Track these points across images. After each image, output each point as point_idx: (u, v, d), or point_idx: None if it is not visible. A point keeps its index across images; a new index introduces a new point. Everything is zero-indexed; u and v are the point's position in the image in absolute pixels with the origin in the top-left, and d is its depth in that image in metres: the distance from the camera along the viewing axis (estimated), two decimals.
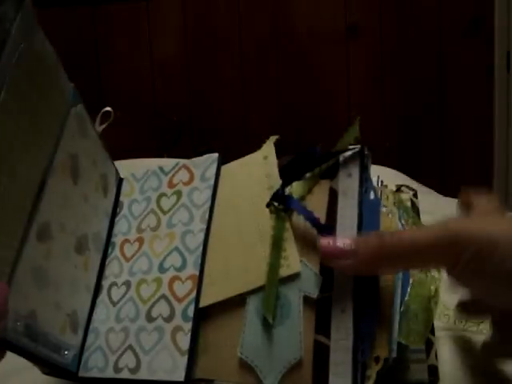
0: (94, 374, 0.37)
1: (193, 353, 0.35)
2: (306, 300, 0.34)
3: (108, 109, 0.45)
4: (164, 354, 0.36)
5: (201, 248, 0.39)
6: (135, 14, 1.75)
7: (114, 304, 0.40)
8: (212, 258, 0.38)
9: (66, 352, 0.37)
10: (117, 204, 0.44)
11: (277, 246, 0.36)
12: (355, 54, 1.71)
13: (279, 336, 0.34)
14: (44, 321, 0.34)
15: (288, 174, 0.39)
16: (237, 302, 0.36)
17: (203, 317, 0.36)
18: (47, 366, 0.35)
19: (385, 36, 1.69)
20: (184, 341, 0.35)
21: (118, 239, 0.43)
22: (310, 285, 0.34)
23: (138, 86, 1.77)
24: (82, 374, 0.37)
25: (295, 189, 0.38)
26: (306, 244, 0.36)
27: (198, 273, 0.37)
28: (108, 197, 0.44)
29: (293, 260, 0.35)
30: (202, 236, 0.39)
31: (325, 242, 0.32)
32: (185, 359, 0.35)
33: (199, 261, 0.38)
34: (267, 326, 0.34)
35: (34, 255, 0.34)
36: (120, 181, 0.46)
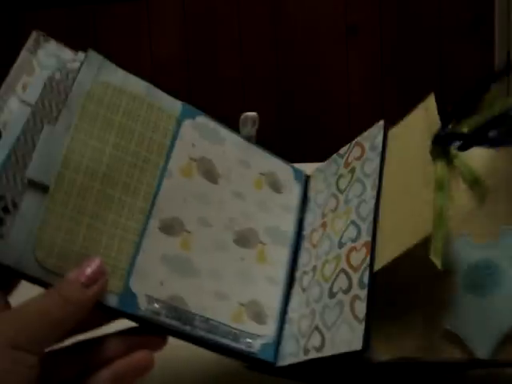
0: (288, 360, 0.38)
1: (370, 320, 0.34)
2: None
3: (253, 113, 0.49)
4: (344, 326, 0.35)
5: (372, 214, 0.39)
6: (135, 13, 1.75)
7: (304, 291, 0.41)
8: (383, 220, 0.38)
9: (248, 340, 0.39)
10: (305, 200, 0.46)
11: (440, 187, 0.35)
12: (355, 53, 1.71)
13: (491, 305, 0.33)
14: (200, 307, 0.38)
15: (451, 115, 0.38)
16: (444, 272, 0.34)
17: (402, 290, 0.36)
18: (226, 354, 0.38)
19: (385, 36, 1.69)
20: (361, 308, 0.35)
21: (307, 231, 0.44)
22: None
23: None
24: (279, 363, 0.39)
25: (463, 125, 0.37)
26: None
27: (370, 238, 0.37)
28: (284, 193, 0.45)
29: (460, 198, 0.35)
30: (373, 202, 0.39)
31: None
32: (362, 327, 0.34)
33: (371, 226, 0.38)
34: (477, 296, 0.33)
35: (160, 246, 0.38)
36: (307, 177, 0.47)
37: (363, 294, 0.35)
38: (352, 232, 0.39)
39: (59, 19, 1.72)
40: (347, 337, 0.35)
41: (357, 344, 0.34)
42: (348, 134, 1.85)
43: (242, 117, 0.45)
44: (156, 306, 0.36)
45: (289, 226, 0.44)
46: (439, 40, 1.68)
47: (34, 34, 0.39)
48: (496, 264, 0.34)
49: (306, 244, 0.44)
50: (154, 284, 0.37)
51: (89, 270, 0.34)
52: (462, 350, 0.32)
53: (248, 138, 0.45)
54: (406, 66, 1.69)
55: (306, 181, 0.47)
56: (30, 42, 0.39)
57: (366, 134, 0.44)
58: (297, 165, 0.48)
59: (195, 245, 0.40)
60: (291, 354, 0.38)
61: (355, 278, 0.36)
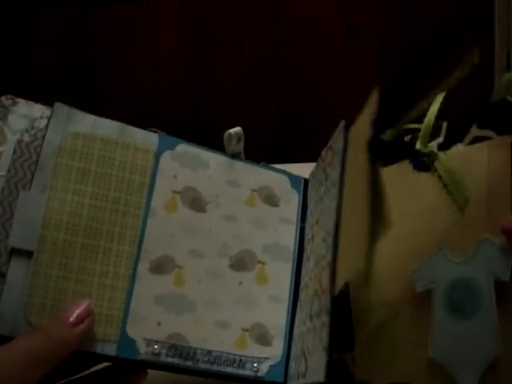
0: (293, 382, 0.37)
1: (332, 349, 0.32)
2: (496, 284, 0.29)
3: (236, 129, 0.45)
4: (317, 354, 0.34)
5: (333, 230, 0.36)
6: (135, 13, 1.75)
7: (301, 308, 0.40)
8: (342, 236, 0.35)
9: (254, 365, 0.38)
10: (305, 207, 0.44)
11: (372, 202, 0.31)
12: (355, 53, 1.71)
13: (472, 330, 0.29)
14: (200, 340, 0.38)
15: (382, 117, 0.33)
16: (422, 295, 0.32)
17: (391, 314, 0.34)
18: (235, 381, 0.38)
19: (385, 36, 1.69)
20: (325, 336, 0.33)
21: (306, 242, 0.43)
22: (497, 264, 0.29)
23: (138, 86, 1.77)
24: (289, 383, 0.38)
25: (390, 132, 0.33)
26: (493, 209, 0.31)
27: (331, 258, 0.35)
28: (281, 205, 0.44)
29: (438, 207, 0.33)
30: (334, 216, 0.37)
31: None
32: (324, 356, 0.33)
33: (332, 244, 0.36)
34: (458, 320, 0.30)
35: (152, 287, 0.38)
36: (306, 182, 0.45)
37: (327, 320, 0.34)
38: (322, 249, 0.37)
39: (59, 19, 1.72)
40: (316, 366, 0.34)
41: (320, 375, 0.32)
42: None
43: (226, 134, 0.43)
44: (155, 347, 0.37)
45: (290, 239, 0.43)
46: (439, 40, 1.67)
47: (2, 100, 0.39)
48: (475, 283, 0.30)
49: (304, 257, 0.42)
50: (151, 326, 0.37)
51: (77, 311, 0.34)
52: (446, 379, 0.30)
53: (235, 156, 0.44)
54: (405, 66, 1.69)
55: (305, 186, 0.45)
56: None
57: (334, 135, 0.41)
58: (297, 165, 0.48)
59: (189, 278, 0.39)
60: (291, 376, 0.38)
61: (323, 302, 0.35)
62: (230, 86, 1.76)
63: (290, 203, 0.44)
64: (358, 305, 0.35)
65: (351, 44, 1.71)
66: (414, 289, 0.33)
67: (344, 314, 0.37)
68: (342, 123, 0.39)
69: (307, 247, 0.42)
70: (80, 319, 0.34)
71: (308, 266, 0.41)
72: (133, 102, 1.74)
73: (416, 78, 0.33)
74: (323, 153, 0.43)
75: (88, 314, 0.35)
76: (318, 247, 0.39)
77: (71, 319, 0.34)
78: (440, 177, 0.33)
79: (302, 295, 0.40)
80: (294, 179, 0.45)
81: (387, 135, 0.33)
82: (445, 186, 0.33)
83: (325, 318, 0.34)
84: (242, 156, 0.44)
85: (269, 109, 1.76)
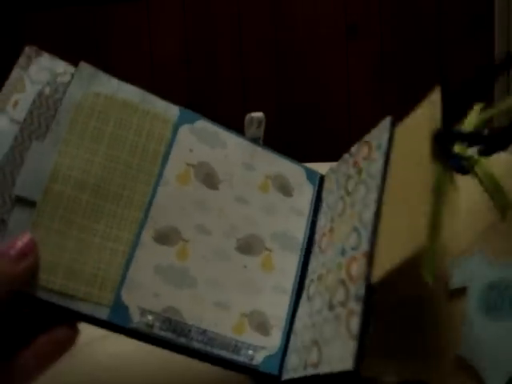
0: (290, 374, 0.36)
1: (363, 337, 0.31)
2: None
3: (258, 114, 0.47)
4: (339, 343, 0.33)
5: (371, 222, 0.36)
6: (135, 13, 1.75)
7: (309, 300, 0.39)
8: (383, 227, 0.34)
9: (249, 352, 0.37)
10: (318, 202, 0.44)
11: (436, 197, 0.30)
12: (355, 53, 1.71)
13: (507, 332, 0.29)
14: (197, 318, 0.37)
15: (454, 108, 0.34)
16: (455, 292, 0.32)
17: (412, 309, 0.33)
18: (227, 367, 0.36)
19: (385, 36, 1.69)
20: (355, 324, 0.32)
21: (318, 235, 0.42)
22: None
23: (138, 86, 1.77)
24: (284, 376, 0.37)
25: (468, 121, 0.33)
26: None
27: (369, 248, 0.34)
28: (295, 195, 0.43)
29: (478, 210, 0.32)
30: (374, 207, 0.36)
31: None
32: (354, 344, 0.31)
33: (371, 234, 0.35)
34: (492, 321, 0.30)
35: (154, 257, 0.37)
36: (321, 178, 0.45)
37: (358, 308, 0.33)
38: (354, 240, 0.37)
39: (59, 20, 1.72)
40: (340, 354, 0.32)
41: (348, 363, 0.31)
42: (348, 134, 1.85)
43: (247, 117, 0.44)
44: (149, 317, 0.36)
45: (300, 230, 0.42)
46: (439, 40, 1.68)
47: (26, 50, 0.39)
48: None
49: (315, 249, 0.42)
50: (147, 296, 0.36)
51: (19, 245, 0.33)
52: (474, 379, 0.30)
53: (254, 140, 0.44)
54: (405, 66, 1.69)
55: (320, 182, 0.45)
56: (22, 59, 0.39)
57: (374, 131, 0.41)
58: None
59: (193, 254, 0.39)
60: (293, 368, 0.36)
61: (353, 290, 0.34)
62: (230, 86, 1.76)
63: (304, 195, 0.44)
64: (383, 296, 0.34)
65: (351, 44, 1.71)
66: (445, 286, 0.32)
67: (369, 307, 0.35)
68: (388, 119, 0.40)
69: (322, 240, 0.41)
70: (22, 254, 0.33)
71: (323, 259, 0.40)
72: None
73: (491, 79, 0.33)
74: (353, 149, 0.43)
75: (31, 250, 0.33)
76: (343, 239, 0.38)
77: (12, 252, 0.32)
78: (481, 181, 0.33)
79: (313, 287, 0.39)
80: (310, 172, 0.45)
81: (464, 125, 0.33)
82: (486, 190, 0.33)
83: (354, 306, 0.33)
84: (261, 142, 0.44)
85: (269, 109, 1.76)
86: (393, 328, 0.34)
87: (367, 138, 0.42)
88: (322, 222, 0.42)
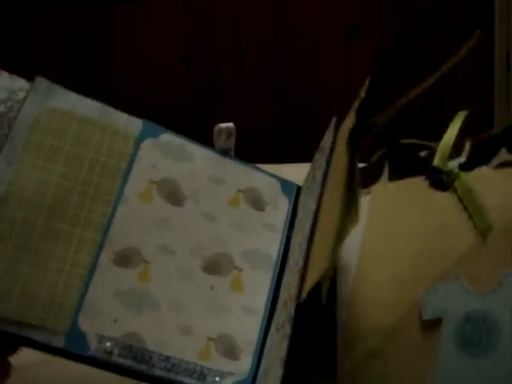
0: None
1: (288, 364, 0.29)
2: None
3: (228, 124, 0.42)
4: (276, 368, 0.31)
5: (307, 236, 0.34)
6: (135, 13, 1.75)
7: (274, 321, 0.36)
8: (315, 242, 0.32)
9: (216, 379, 0.35)
10: (294, 216, 0.41)
11: (343, 213, 0.27)
12: (355, 53, 1.71)
13: (485, 369, 0.26)
14: (159, 344, 0.34)
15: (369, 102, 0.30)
16: (427, 324, 0.29)
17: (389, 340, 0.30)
18: None
19: (385, 36, 1.69)
20: (284, 347, 0.30)
21: (291, 251, 0.39)
22: None
23: (138, 86, 1.77)
24: None
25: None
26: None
27: (301, 266, 0.33)
28: (268, 210, 0.40)
29: (457, 232, 0.29)
30: (311, 218, 0.34)
31: None
32: (279, 371, 0.29)
33: (305, 251, 0.33)
34: (470, 357, 0.27)
35: (114, 280, 0.35)
36: (298, 190, 0.42)
37: (288, 330, 0.30)
38: (299, 255, 0.35)
39: (59, 19, 1.72)
40: (273, 380, 0.30)
41: None
42: None
43: (216, 128, 0.41)
44: (108, 344, 0.33)
45: (273, 247, 0.39)
46: (439, 40, 1.67)
47: None
48: (494, 318, 0.27)
49: (288, 267, 0.38)
50: (106, 321, 0.34)
51: None
52: None
53: (224, 152, 0.41)
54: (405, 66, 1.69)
55: (297, 194, 0.42)
56: None
57: (324, 136, 0.38)
58: (296, 165, 0.47)
59: (155, 275, 0.36)
60: None
61: (289, 311, 0.32)
62: (230, 86, 1.76)
63: (278, 209, 0.41)
64: (350, 328, 0.32)
65: (351, 44, 1.71)
66: (417, 317, 0.29)
67: (327, 335, 0.33)
68: (334, 120, 0.37)
69: (292, 256, 0.38)
70: None
71: (288, 278, 0.37)
72: (133, 101, 1.74)
73: (414, 51, 0.30)
74: (315, 156, 0.40)
75: None
76: (296, 256, 0.36)
77: None
78: (460, 199, 0.30)
79: (278, 308, 0.37)
80: (285, 185, 0.42)
81: (379, 120, 0.30)
82: (465, 208, 0.30)
83: (288, 328, 0.31)
84: (232, 154, 0.41)
85: (269, 109, 1.76)
86: (361, 362, 0.31)
87: (322, 142, 0.39)
88: (297, 237, 0.39)
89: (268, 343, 0.36)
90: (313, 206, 0.34)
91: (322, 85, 1.73)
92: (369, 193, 0.35)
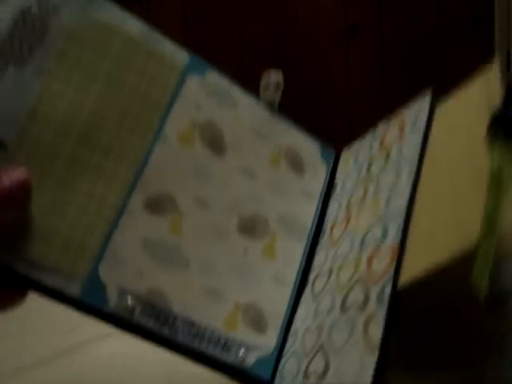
0: (287, 382, 0.31)
1: (385, 348, 0.26)
2: None
3: (277, 73, 0.40)
4: (354, 352, 0.28)
5: (404, 211, 0.30)
6: (135, 13, 1.75)
7: (314, 298, 0.33)
8: (418, 219, 0.29)
9: (241, 351, 0.31)
10: (331, 185, 0.38)
11: (496, 186, 0.25)
12: (355, 53, 1.71)
13: None
14: (185, 306, 0.31)
15: None
16: (497, 301, 0.26)
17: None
18: (212, 366, 0.31)
19: (385, 36, 1.69)
20: (376, 332, 0.27)
21: (328, 224, 0.36)
22: None
23: None
24: (277, 382, 0.31)
25: None
26: None
27: (398, 243, 0.29)
28: (307, 174, 0.38)
29: None
30: (407, 196, 0.31)
31: None
32: (374, 357, 0.26)
33: (401, 228, 0.30)
34: None
35: (143, 227, 0.31)
36: (337, 157, 0.39)
37: (381, 314, 0.27)
38: (378, 231, 0.31)
39: None
40: (355, 367, 0.27)
41: (365, 379, 0.26)
42: (348, 133, 1.85)
43: (263, 79, 0.38)
44: (129, 300, 0.29)
45: (308, 215, 0.37)
46: (439, 40, 1.68)
47: None
48: None
49: (325, 240, 0.36)
50: (129, 273, 0.30)
51: (7, 183, 0.27)
52: None
53: (269, 104, 0.38)
54: (405, 66, 1.69)
55: (335, 162, 0.39)
56: None
57: (408, 109, 0.35)
58: None
59: (187, 229, 0.32)
60: (289, 375, 0.31)
61: (374, 291, 0.28)
62: None
63: (317, 176, 0.38)
64: (410, 300, 0.28)
65: (351, 44, 1.71)
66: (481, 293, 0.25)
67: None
68: (428, 95, 0.34)
69: (333, 230, 0.36)
70: (9, 199, 0.27)
71: (334, 251, 0.34)
72: None
73: None
74: (379, 127, 0.38)
75: (22, 193, 0.27)
76: (363, 230, 0.33)
77: None
78: None
79: (319, 283, 0.34)
80: (325, 150, 0.39)
81: None
82: None
83: (376, 309, 0.27)
84: (275, 108, 0.39)
85: None
86: (418, 337, 0.30)
87: (399, 115, 0.36)
88: (335, 209, 0.37)
89: (305, 323, 0.33)
90: (404, 182, 0.31)
91: (322, 84, 1.73)
92: None
